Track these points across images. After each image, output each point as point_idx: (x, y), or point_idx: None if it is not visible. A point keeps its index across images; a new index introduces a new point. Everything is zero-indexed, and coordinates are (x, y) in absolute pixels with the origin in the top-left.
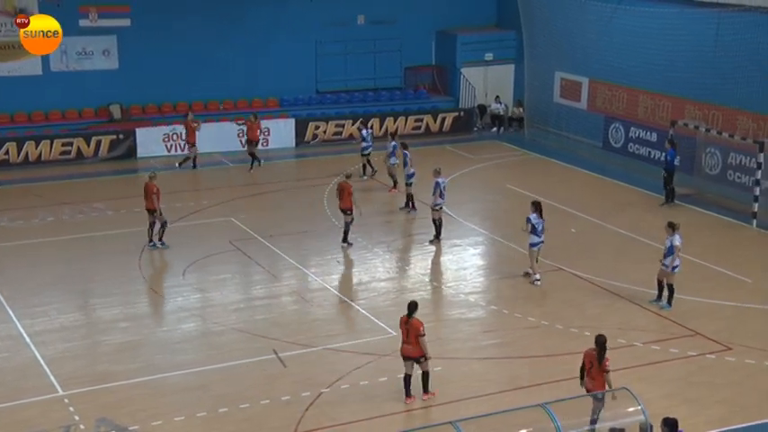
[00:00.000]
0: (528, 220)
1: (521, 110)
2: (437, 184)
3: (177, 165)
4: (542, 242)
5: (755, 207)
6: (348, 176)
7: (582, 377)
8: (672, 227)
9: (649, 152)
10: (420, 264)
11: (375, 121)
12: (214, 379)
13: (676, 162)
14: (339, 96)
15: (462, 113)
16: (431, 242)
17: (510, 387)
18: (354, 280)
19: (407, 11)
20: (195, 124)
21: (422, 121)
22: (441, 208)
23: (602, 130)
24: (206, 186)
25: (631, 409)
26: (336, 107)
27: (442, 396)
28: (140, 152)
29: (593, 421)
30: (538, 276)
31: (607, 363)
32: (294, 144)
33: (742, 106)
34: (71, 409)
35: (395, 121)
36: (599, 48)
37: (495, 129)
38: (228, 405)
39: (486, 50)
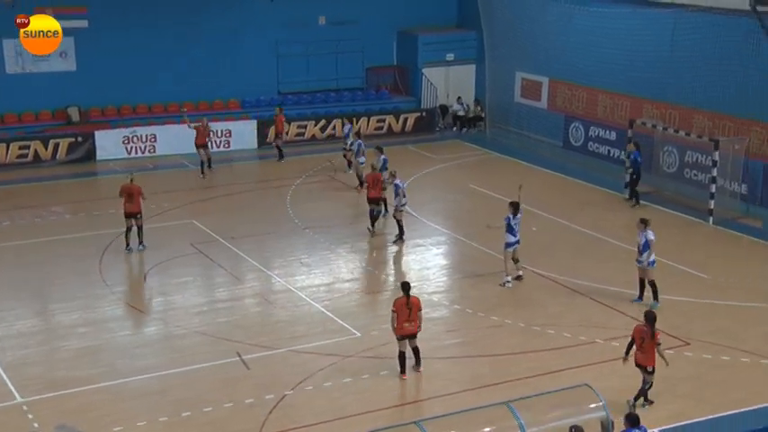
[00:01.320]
0: (507, 219)
1: (479, 108)
2: (397, 186)
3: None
4: (518, 242)
5: (711, 204)
6: (373, 168)
7: (627, 352)
8: (644, 222)
9: (609, 151)
10: (384, 264)
11: (337, 122)
12: (176, 383)
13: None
14: (301, 97)
15: (424, 114)
16: (394, 242)
17: (473, 386)
18: (318, 281)
19: (368, 11)
20: (198, 124)
21: (384, 121)
22: (404, 209)
23: (563, 129)
24: (167, 189)
25: (593, 405)
26: (298, 108)
27: (406, 396)
28: (100, 155)
29: (641, 394)
30: (509, 278)
31: (658, 336)
32: (256, 145)
33: (698, 105)
34: (30, 416)
35: (357, 122)
36: (559, 48)
37: (456, 129)
38: (191, 409)
39: (448, 51)
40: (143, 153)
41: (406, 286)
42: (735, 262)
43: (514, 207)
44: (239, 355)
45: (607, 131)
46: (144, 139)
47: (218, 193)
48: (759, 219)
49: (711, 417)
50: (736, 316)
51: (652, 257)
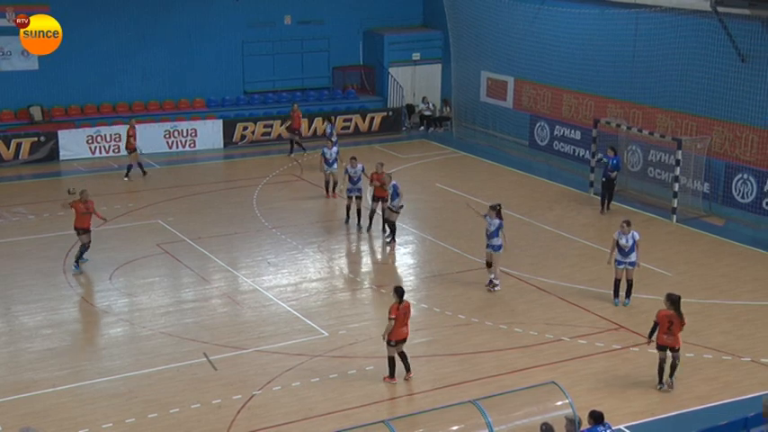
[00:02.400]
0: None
1: (445, 108)
2: (396, 186)
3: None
4: (489, 246)
5: (675, 203)
6: (381, 165)
7: (650, 335)
8: (629, 224)
9: (574, 150)
10: (351, 263)
11: (304, 122)
12: (143, 384)
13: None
14: (267, 97)
15: (391, 113)
16: (388, 243)
17: (441, 385)
18: (285, 281)
19: (334, 11)
20: None
21: (350, 120)
22: (400, 210)
23: (528, 128)
24: (132, 189)
25: (559, 403)
26: (264, 108)
27: (375, 395)
28: (63, 155)
29: (674, 370)
30: (497, 282)
31: (685, 318)
32: (222, 145)
33: (661, 105)
34: None
35: (323, 122)
36: (524, 47)
37: (423, 128)
38: (158, 410)
39: (414, 50)
40: (107, 153)
41: (400, 291)
42: (697, 260)
43: (497, 211)
44: (206, 356)
45: (572, 131)
46: (108, 139)
47: (184, 193)
48: (721, 217)
49: (676, 413)
50: (699, 313)
51: (635, 257)
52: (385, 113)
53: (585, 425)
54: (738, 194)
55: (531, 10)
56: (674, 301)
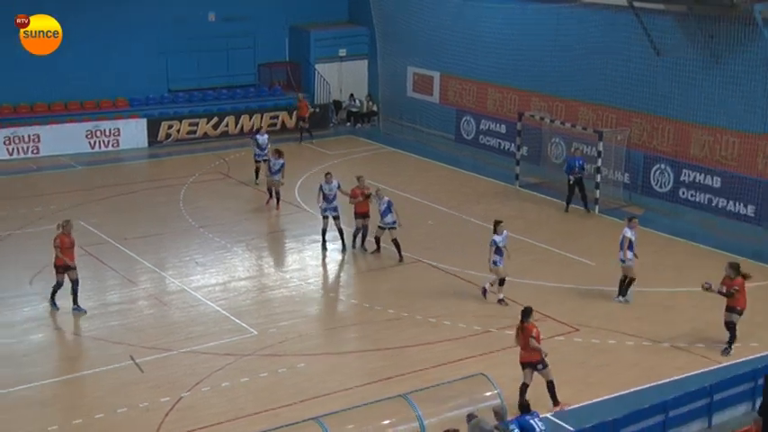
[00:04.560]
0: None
1: (372, 103)
2: (390, 203)
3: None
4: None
5: (597, 193)
6: (359, 178)
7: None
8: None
9: (499, 143)
10: (280, 261)
11: (230, 119)
12: (67, 390)
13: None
14: (192, 95)
15: (318, 109)
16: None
17: (372, 380)
18: (213, 280)
19: (259, 7)
20: None
21: (277, 117)
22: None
23: (455, 122)
24: (53, 191)
25: (488, 394)
26: (190, 106)
27: (306, 393)
28: None
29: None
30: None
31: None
32: (147, 144)
33: (582, 98)
34: None
35: (250, 119)
36: (449, 43)
37: (350, 124)
38: (83, 416)
39: (340, 46)
40: (26, 154)
41: (527, 311)
42: (617, 248)
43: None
44: (133, 359)
45: (497, 124)
46: (26, 140)
47: (107, 194)
48: (640, 207)
49: (601, 399)
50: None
51: (625, 254)
52: (312, 110)
53: (513, 414)
54: (656, 184)
55: (455, 5)
56: (734, 268)
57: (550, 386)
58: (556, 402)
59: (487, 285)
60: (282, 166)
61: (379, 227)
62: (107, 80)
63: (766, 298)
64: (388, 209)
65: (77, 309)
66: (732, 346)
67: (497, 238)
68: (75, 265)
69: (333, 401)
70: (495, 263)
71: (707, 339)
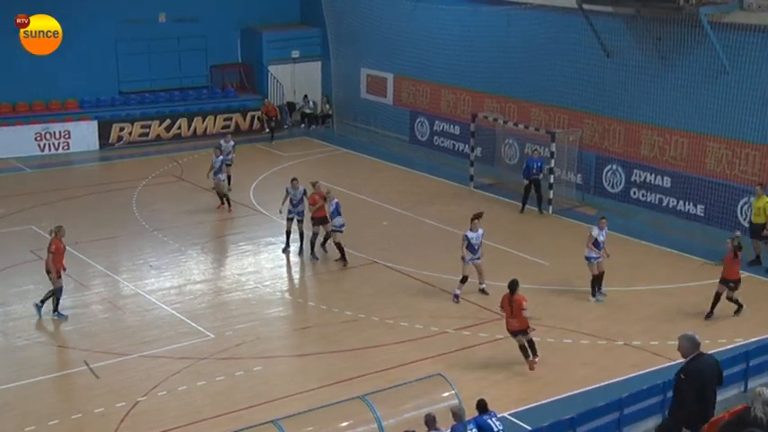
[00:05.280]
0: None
1: (328, 107)
2: (338, 205)
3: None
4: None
5: (550, 194)
6: (314, 184)
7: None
8: (606, 219)
9: (453, 144)
10: (236, 264)
11: (183, 121)
12: (19, 396)
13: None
14: (144, 96)
15: (277, 112)
16: (343, 267)
17: (330, 381)
18: (168, 284)
19: (210, 8)
20: None
21: (231, 119)
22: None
23: (409, 124)
24: (2, 194)
25: (446, 394)
26: (141, 108)
27: (263, 396)
28: None
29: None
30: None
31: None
32: (98, 146)
33: (534, 99)
34: None
35: (203, 121)
36: (402, 44)
37: (304, 126)
38: (36, 423)
39: (293, 48)
40: None
41: (512, 284)
42: (572, 249)
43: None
44: (87, 364)
45: (451, 125)
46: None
47: (58, 197)
48: (593, 207)
49: (557, 398)
50: (575, 300)
51: (592, 253)
52: (259, 113)
53: (471, 414)
54: (609, 185)
55: (407, 7)
56: (736, 244)
57: (531, 343)
58: (536, 354)
59: (458, 292)
60: (222, 162)
61: (332, 230)
62: (56, 81)
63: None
64: (337, 211)
65: (59, 315)
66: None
67: (470, 234)
68: (60, 275)
69: (291, 404)
70: (462, 258)
71: (661, 337)
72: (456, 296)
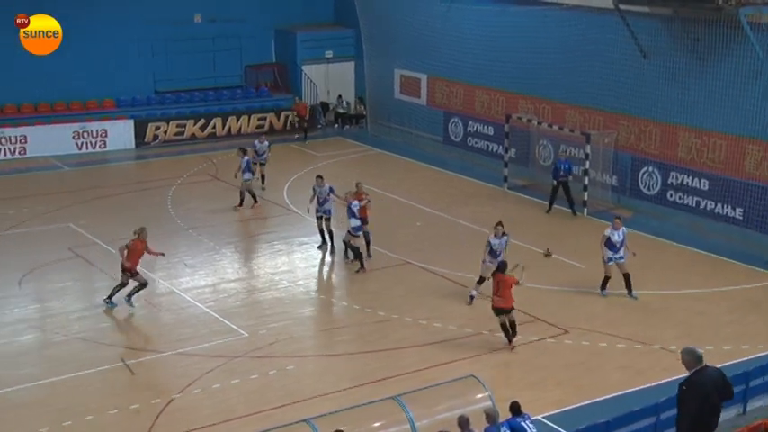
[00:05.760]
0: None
1: (361, 107)
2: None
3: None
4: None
5: (585, 196)
6: (359, 184)
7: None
8: (620, 219)
9: (487, 145)
10: (269, 263)
11: (217, 121)
12: (57, 391)
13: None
14: (179, 96)
15: (309, 111)
16: (357, 271)
17: (363, 381)
18: (203, 282)
19: (245, 9)
20: None
21: (265, 119)
22: (359, 234)
23: (442, 125)
24: (40, 192)
25: (479, 396)
26: (177, 107)
27: (296, 395)
28: None
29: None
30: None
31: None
32: (134, 145)
33: (569, 100)
34: None
35: (237, 120)
36: (435, 45)
37: (338, 126)
38: (73, 418)
39: (326, 48)
40: (13, 155)
41: (502, 265)
42: None
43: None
44: (123, 361)
45: (485, 126)
46: (13, 141)
47: (95, 195)
48: (629, 209)
49: (592, 401)
50: (611, 303)
51: (614, 254)
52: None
53: (505, 416)
54: (644, 187)
55: (441, 7)
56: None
57: (513, 324)
58: (515, 334)
59: (474, 293)
60: (248, 163)
61: (348, 233)
62: (94, 81)
63: (759, 300)
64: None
65: (128, 301)
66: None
67: (493, 240)
68: (138, 272)
69: (323, 403)
70: (483, 261)
71: (698, 341)
72: (471, 297)
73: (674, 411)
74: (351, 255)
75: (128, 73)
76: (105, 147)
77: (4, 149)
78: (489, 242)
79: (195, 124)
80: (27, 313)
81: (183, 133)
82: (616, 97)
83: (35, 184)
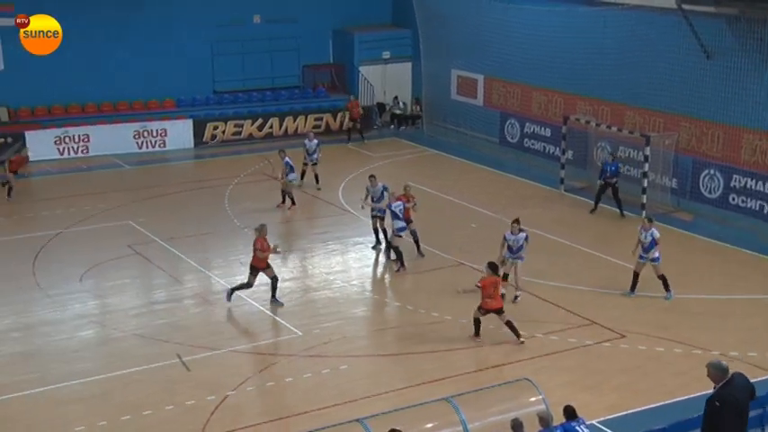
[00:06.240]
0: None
1: (418, 107)
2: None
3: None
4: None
5: (644, 198)
6: (407, 187)
7: None
8: (650, 220)
9: (544, 147)
10: (323, 263)
11: (274, 121)
12: (115, 386)
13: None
14: (237, 96)
15: (362, 111)
16: (397, 270)
17: (415, 382)
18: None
19: (303, 9)
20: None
21: (322, 119)
22: (401, 234)
23: (499, 126)
24: (102, 190)
25: (533, 399)
26: (234, 107)
27: (349, 394)
28: (31, 156)
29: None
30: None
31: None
32: (193, 145)
33: (629, 101)
34: None
35: (294, 120)
36: (493, 45)
37: (394, 126)
38: (131, 412)
39: (384, 49)
40: (76, 154)
41: (493, 267)
42: (666, 255)
43: (518, 223)
44: (179, 357)
45: (542, 128)
46: (77, 140)
47: (155, 194)
48: (689, 212)
49: (647, 407)
50: (669, 308)
51: (656, 254)
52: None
53: (559, 420)
54: (706, 190)
55: (499, 8)
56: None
57: (510, 324)
58: (518, 334)
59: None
60: (289, 165)
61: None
62: (156, 81)
63: None
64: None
65: (275, 301)
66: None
67: (509, 236)
68: (270, 265)
69: (376, 403)
70: (502, 258)
71: (760, 348)
72: (515, 297)
73: None
74: (393, 254)
75: (188, 73)
76: (165, 146)
77: (68, 148)
78: (505, 238)
79: (252, 124)
80: (87, 309)
81: (240, 133)
82: (677, 98)
83: (97, 182)
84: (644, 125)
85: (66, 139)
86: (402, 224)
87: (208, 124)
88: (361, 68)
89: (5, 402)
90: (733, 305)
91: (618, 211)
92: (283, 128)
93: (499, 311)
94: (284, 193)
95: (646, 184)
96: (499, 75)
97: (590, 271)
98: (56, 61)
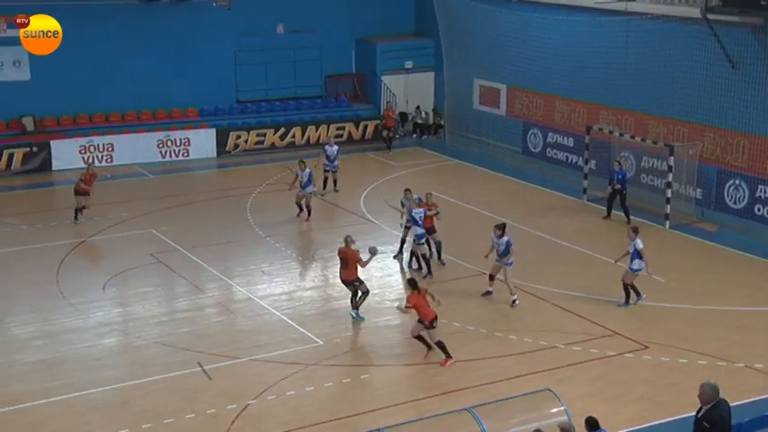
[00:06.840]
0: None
1: (438, 116)
2: (310, 174)
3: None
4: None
5: (668, 209)
6: (429, 195)
7: None
8: (635, 231)
9: (567, 157)
10: None
11: (297, 130)
12: (137, 394)
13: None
14: (260, 105)
15: (398, 119)
16: (424, 277)
17: (436, 392)
18: (279, 289)
19: (326, 19)
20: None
21: (344, 129)
22: (422, 242)
23: (521, 135)
24: (125, 198)
25: (554, 410)
26: (257, 116)
27: (370, 403)
28: (56, 165)
29: None
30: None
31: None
32: (215, 154)
33: (652, 111)
34: None
35: (317, 130)
36: (516, 55)
37: (416, 136)
38: (152, 420)
39: (406, 58)
40: (100, 162)
41: (412, 282)
42: (690, 266)
43: (501, 229)
44: (201, 366)
45: (565, 137)
46: (101, 149)
47: (177, 203)
48: (714, 223)
49: (670, 419)
50: (692, 319)
51: (637, 265)
52: (378, 121)
53: None
54: (731, 200)
55: (522, 18)
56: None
57: (440, 344)
58: (449, 356)
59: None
60: (310, 175)
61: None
62: (179, 91)
63: None
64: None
65: (357, 316)
66: None
67: (494, 239)
68: (361, 280)
69: (397, 413)
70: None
71: None
72: (487, 292)
73: None
74: (415, 264)
75: (211, 83)
76: (188, 155)
77: (93, 157)
78: (492, 240)
79: (275, 133)
80: (110, 317)
81: (263, 142)
82: (702, 108)
83: (120, 190)
84: (668, 135)
85: (91, 149)
86: (422, 231)
87: (231, 133)
88: (383, 78)
89: (29, 409)
90: (758, 317)
91: (624, 217)
92: (305, 137)
93: (432, 322)
94: (299, 204)
95: (670, 195)
96: (522, 84)
97: (612, 281)
98: (81, 71)
